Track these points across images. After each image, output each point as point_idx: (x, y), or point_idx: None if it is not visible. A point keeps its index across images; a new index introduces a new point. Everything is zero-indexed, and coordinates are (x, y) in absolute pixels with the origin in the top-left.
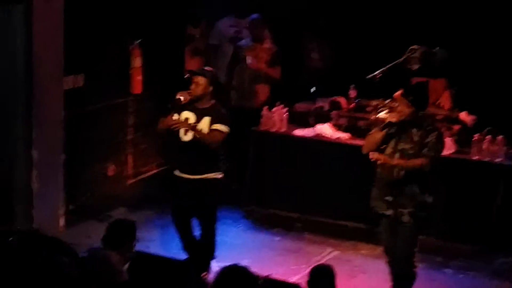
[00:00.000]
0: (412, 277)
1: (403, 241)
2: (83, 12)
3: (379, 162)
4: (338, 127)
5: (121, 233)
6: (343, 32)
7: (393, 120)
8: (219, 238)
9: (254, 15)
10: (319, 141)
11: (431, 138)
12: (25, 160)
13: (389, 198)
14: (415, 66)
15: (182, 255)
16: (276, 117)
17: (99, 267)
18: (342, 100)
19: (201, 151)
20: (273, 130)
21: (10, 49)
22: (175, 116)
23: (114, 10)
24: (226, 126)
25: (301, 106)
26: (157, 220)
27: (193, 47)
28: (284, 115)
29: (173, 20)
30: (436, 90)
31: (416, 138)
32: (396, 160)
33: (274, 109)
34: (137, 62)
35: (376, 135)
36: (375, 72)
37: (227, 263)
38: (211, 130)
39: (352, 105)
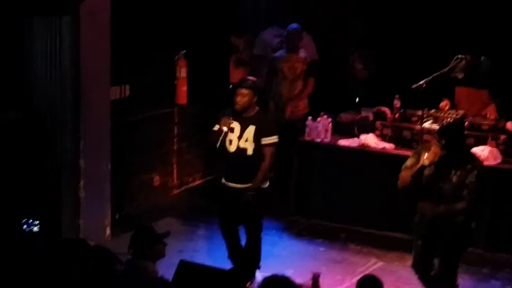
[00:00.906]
0: None
1: (446, 266)
2: (129, 23)
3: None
4: (383, 137)
5: (141, 242)
6: (387, 42)
7: (427, 162)
8: (263, 248)
9: (293, 25)
10: (364, 151)
11: (471, 178)
12: (73, 169)
13: (425, 231)
14: (460, 75)
15: (227, 265)
16: (321, 127)
17: (138, 278)
18: (386, 110)
19: (247, 161)
20: (318, 140)
21: (58, 60)
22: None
23: (159, 21)
24: (274, 136)
25: (345, 116)
26: (202, 230)
27: (237, 57)
28: (329, 125)
29: (217, 31)
30: (480, 100)
31: (455, 179)
32: (438, 210)
33: (318, 119)
34: (182, 72)
35: (408, 172)
36: (419, 81)
37: (271, 274)
38: (262, 146)
39: (397, 115)
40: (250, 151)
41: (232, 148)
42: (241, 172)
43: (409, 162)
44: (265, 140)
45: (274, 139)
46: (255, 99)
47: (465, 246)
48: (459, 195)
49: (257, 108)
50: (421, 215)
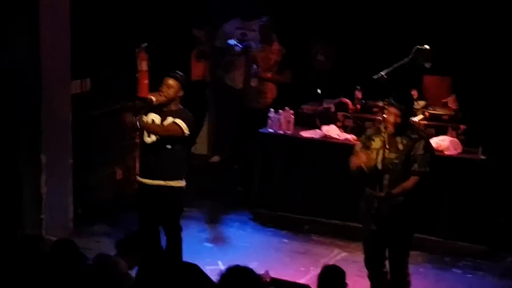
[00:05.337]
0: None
1: (395, 255)
2: (89, 17)
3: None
4: (345, 128)
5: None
6: (348, 33)
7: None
8: (228, 240)
9: (264, 18)
10: (326, 143)
11: (418, 150)
12: (34, 165)
13: (374, 212)
14: (428, 65)
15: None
16: (283, 119)
17: (106, 273)
18: (348, 102)
19: (164, 154)
20: (280, 131)
21: (18, 55)
22: (144, 118)
23: (120, 14)
24: (188, 127)
25: (307, 108)
26: None
27: (198, 50)
28: (291, 116)
29: (179, 23)
30: (444, 89)
31: (400, 147)
32: (383, 193)
33: (280, 111)
34: (143, 65)
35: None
36: (381, 72)
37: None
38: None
39: (358, 106)
40: (169, 144)
41: (150, 140)
42: (158, 167)
43: (357, 147)
44: (177, 121)
45: (184, 125)
46: (181, 93)
47: (410, 230)
48: (409, 170)
49: (181, 107)
50: (364, 203)
